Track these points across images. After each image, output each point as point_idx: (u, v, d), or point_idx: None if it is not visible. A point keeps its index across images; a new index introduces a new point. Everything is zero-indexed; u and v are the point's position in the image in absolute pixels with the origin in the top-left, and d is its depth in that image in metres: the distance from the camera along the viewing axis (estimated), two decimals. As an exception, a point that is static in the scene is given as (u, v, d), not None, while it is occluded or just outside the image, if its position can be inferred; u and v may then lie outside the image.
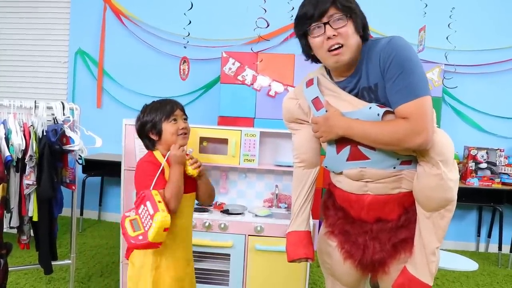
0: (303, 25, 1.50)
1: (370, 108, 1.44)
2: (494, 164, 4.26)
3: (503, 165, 4.29)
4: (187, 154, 1.92)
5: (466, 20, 4.41)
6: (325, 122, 1.52)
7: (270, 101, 4.23)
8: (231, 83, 4.25)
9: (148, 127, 1.92)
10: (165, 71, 4.87)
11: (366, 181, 1.54)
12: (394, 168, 1.48)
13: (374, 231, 1.57)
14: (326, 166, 1.64)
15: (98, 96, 4.96)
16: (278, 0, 4.00)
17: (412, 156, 1.46)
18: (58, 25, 5.07)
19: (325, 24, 1.44)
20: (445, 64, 4.26)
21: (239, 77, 4.24)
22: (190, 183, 1.94)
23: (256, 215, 2.80)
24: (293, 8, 3.44)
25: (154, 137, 1.93)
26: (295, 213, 1.75)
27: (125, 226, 1.75)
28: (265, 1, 3.22)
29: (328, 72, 1.62)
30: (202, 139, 2.93)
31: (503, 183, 4.25)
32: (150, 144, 1.96)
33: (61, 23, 5.06)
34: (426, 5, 3.51)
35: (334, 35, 1.43)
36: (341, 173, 1.60)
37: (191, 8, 3.35)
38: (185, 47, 4.06)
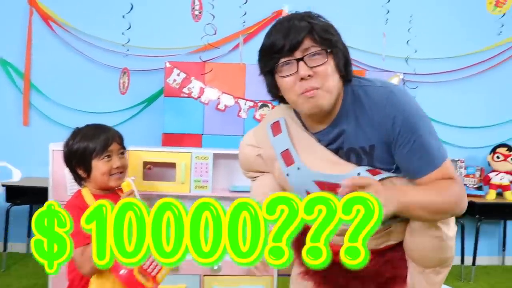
0: (269, 60, 1.16)
1: (359, 174, 1.14)
2: (455, 176, 4.13)
3: (463, 176, 4.18)
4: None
5: (424, 29, 4.28)
6: (385, 191, 1.07)
7: (219, 116, 3.89)
8: (176, 96, 3.89)
9: (75, 161, 1.59)
10: (102, 84, 4.40)
11: None
12: (383, 224, 1.20)
13: (356, 269, 1.29)
14: None
15: (25, 112, 4.39)
16: (228, 5, 3.65)
17: None
18: (-24, 32, 4.46)
19: (298, 60, 1.11)
20: (404, 73, 4.12)
21: (185, 90, 3.87)
22: None
23: (211, 251, 2.44)
24: (245, 13, 3.15)
25: (81, 173, 1.61)
26: None
27: (139, 280, 1.55)
28: (213, 7, 2.89)
29: (298, 114, 1.29)
30: (145, 163, 2.58)
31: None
32: (77, 179, 1.65)
33: (-20, 29, 4.45)
34: (388, 11, 3.33)
35: (309, 76, 1.10)
36: None
37: (131, 10, 2.95)
38: (126, 55, 3.65)
